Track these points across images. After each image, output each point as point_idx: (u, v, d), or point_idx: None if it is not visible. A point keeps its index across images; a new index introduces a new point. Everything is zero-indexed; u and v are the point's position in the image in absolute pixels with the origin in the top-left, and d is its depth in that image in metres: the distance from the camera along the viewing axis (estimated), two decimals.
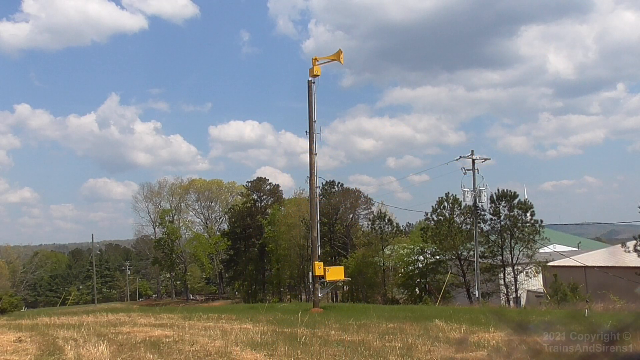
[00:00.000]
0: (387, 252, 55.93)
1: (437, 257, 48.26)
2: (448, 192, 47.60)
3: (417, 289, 49.62)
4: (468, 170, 40.60)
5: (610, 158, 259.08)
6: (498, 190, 44.71)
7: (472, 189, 40.72)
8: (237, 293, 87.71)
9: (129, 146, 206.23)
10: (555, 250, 48.02)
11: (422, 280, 49.56)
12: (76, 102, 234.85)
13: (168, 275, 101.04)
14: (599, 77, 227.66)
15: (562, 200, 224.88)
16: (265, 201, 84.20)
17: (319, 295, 30.37)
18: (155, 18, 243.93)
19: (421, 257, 50.62)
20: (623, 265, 38.67)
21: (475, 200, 41.00)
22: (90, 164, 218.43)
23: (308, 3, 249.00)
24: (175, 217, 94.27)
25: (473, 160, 40.74)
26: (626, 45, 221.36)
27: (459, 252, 45.74)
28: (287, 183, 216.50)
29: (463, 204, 44.52)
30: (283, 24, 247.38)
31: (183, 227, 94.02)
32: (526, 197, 48.19)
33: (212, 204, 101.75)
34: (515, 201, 43.65)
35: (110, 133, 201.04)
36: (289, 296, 74.10)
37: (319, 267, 29.42)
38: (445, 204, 47.43)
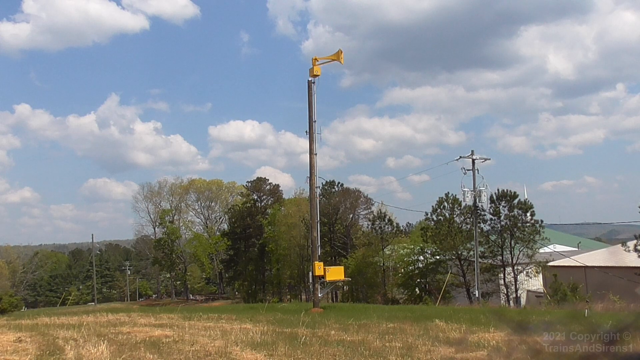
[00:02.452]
0: (387, 252, 55.93)
1: (437, 257, 48.21)
2: (448, 192, 47.64)
3: (417, 289, 49.59)
4: (468, 170, 40.65)
5: (610, 158, 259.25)
6: (498, 190, 44.76)
7: (472, 189, 40.73)
8: (237, 293, 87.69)
9: (129, 146, 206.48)
10: (555, 250, 48.03)
11: (422, 280, 49.54)
12: (76, 102, 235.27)
13: (168, 275, 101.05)
14: (599, 77, 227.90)
15: (562, 200, 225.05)
16: (265, 201, 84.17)
17: (319, 295, 30.36)
18: (155, 18, 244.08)
19: (421, 257, 50.56)
20: (623, 265, 38.67)
21: (475, 200, 41.01)
22: (90, 164, 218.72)
23: (307, 4, 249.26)
24: (175, 217, 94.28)
25: (473, 160, 40.76)
26: (626, 45, 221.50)
27: (459, 252, 45.73)
28: (287, 183, 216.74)
29: (463, 204, 44.52)
30: (282, 25, 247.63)
31: (183, 227, 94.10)
32: (526, 197, 48.21)
33: (212, 204, 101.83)
34: (515, 201, 43.64)
35: (110, 133, 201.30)
36: (289, 296, 74.09)
37: (319, 267, 29.46)
38: (445, 204, 47.40)
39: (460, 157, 41.04)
